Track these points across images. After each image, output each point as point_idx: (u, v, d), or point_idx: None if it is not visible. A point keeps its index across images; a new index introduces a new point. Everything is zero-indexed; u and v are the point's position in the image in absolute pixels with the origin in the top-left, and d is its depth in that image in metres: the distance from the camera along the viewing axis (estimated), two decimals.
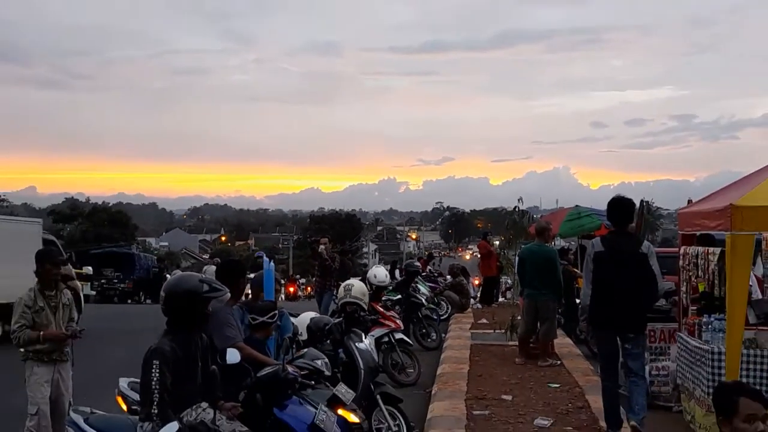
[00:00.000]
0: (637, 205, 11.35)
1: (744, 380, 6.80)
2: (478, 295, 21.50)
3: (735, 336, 7.02)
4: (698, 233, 8.49)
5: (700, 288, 8.43)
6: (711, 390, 7.19)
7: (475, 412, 8.31)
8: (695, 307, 8.47)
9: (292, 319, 7.54)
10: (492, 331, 14.51)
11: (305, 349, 6.32)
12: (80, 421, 4.95)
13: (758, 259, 8.52)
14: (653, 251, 7.62)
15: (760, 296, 9.17)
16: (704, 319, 7.86)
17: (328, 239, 18.41)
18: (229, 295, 4.91)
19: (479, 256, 22.52)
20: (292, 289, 28.43)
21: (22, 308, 6.63)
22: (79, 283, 16.11)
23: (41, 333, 6.60)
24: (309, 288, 17.80)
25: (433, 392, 9.56)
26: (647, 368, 9.09)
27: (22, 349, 6.80)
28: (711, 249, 8.12)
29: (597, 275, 7.62)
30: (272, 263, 7.53)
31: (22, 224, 21.62)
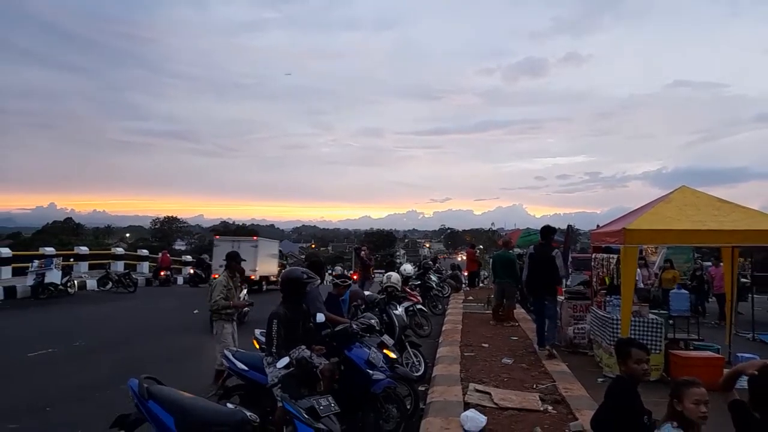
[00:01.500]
0: (566, 227, 11.58)
1: (633, 336, 6.76)
2: (467, 282, 21.56)
3: (626, 309, 7.36)
4: (603, 245, 8.63)
5: (606, 280, 8.57)
6: (613, 343, 7.21)
7: (465, 353, 8.59)
8: (603, 291, 8.50)
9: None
10: (476, 304, 14.68)
11: (364, 313, 6.38)
12: (230, 355, 5.11)
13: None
14: (558, 254, 8.63)
15: (641, 285, 9.39)
16: (607, 299, 7.88)
17: (367, 247, 19.04)
18: (319, 281, 5.02)
19: (467, 258, 22.57)
20: (355, 277, 28.44)
21: (221, 287, 6.86)
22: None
23: (231, 302, 6.87)
24: (355, 276, 17.98)
25: (440, 341, 9.82)
26: (571, 328, 9.16)
27: (216, 312, 7.03)
28: (611, 255, 8.16)
29: (530, 265, 8.76)
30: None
31: (272, 242, 27.04)
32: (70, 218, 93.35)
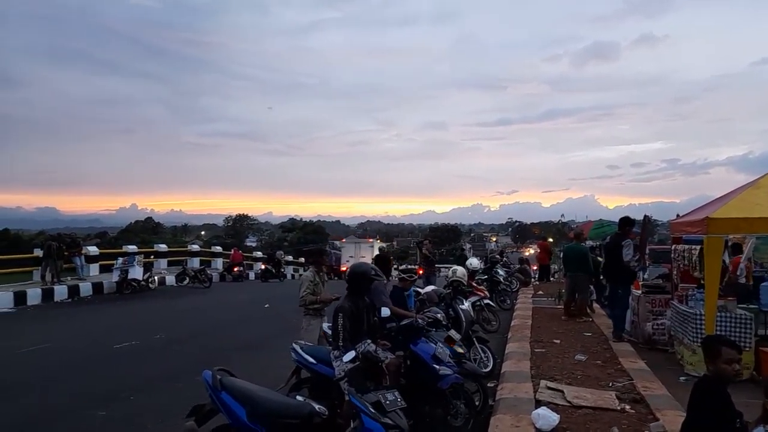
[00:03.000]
0: (642, 218, 11.05)
1: (719, 333, 6.34)
2: (536, 276, 21.09)
3: (710, 303, 6.87)
4: (683, 236, 8.17)
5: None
6: (696, 339, 6.81)
7: (535, 350, 8.35)
8: (685, 284, 8.13)
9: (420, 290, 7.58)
10: (546, 298, 14.26)
11: (430, 307, 6.33)
12: (298, 348, 5.22)
13: (726, 252, 8.03)
14: (628, 243, 8.62)
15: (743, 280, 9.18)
16: (690, 292, 7.40)
17: (429, 241, 18.17)
18: (385, 279, 5.03)
19: (538, 251, 22.11)
20: (420, 272, 28.52)
21: (308, 282, 6.80)
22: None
23: (318, 297, 6.77)
24: (419, 270, 18.07)
25: (508, 336, 9.57)
26: (650, 324, 8.76)
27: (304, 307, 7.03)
28: (693, 246, 7.67)
29: (605, 256, 8.99)
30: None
31: (380, 243, 30.39)
32: (151, 218, 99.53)
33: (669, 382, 6.48)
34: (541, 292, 15.94)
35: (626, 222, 8.91)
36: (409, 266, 7.42)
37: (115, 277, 17.92)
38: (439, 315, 5.82)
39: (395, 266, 14.04)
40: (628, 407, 5.55)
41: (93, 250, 21.27)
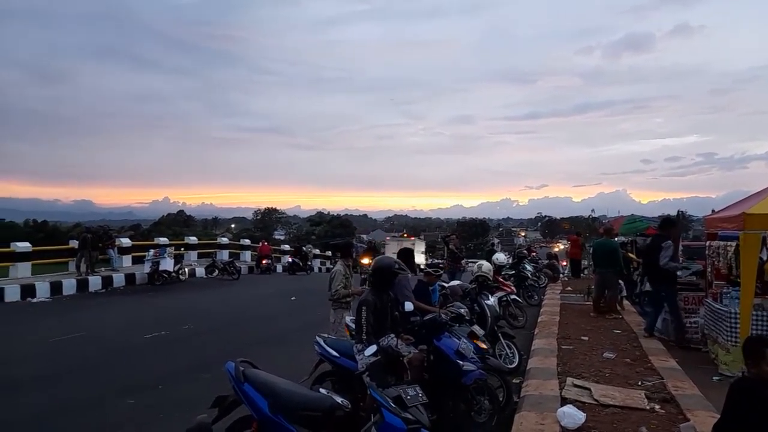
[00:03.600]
0: (675, 214, 10.85)
1: (754, 332, 6.15)
2: (567, 272, 20.83)
3: (746, 302, 6.71)
4: (718, 233, 7.95)
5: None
6: (730, 338, 6.62)
7: (563, 346, 8.23)
8: (719, 282, 7.90)
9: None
10: (575, 295, 14.04)
11: (453, 302, 6.29)
12: (321, 341, 5.25)
13: (764, 249, 7.75)
14: (668, 245, 8.33)
15: None
16: (725, 290, 7.18)
17: (456, 236, 18.19)
18: (409, 273, 5.00)
19: (569, 245, 21.86)
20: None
21: (341, 276, 6.91)
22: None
23: (350, 290, 6.91)
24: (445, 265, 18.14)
25: (535, 333, 9.47)
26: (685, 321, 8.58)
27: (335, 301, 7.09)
28: (728, 243, 7.44)
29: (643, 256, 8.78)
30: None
31: (421, 241, 33.08)
32: (182, 211, 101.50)
33: (701, 381, 6.30)
34: (569, 288, 15.71)
35: (668, 223, 8.75)
36: (435, 260, 7.39)
37: (146, 268, 18.32)
38: (462, 310, 5.76)
39: (427, 261, 14.04)
40: (657, 407, 5.43)
41: (126, 242, 21.79)
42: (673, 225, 8.88)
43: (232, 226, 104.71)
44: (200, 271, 21.70)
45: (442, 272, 6.80)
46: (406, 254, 6.67)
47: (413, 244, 27.28)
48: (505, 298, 10.21)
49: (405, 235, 43.38)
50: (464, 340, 5.43)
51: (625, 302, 12.11)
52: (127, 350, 8.76)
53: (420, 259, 26.85)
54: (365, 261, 18.08)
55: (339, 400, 3.65)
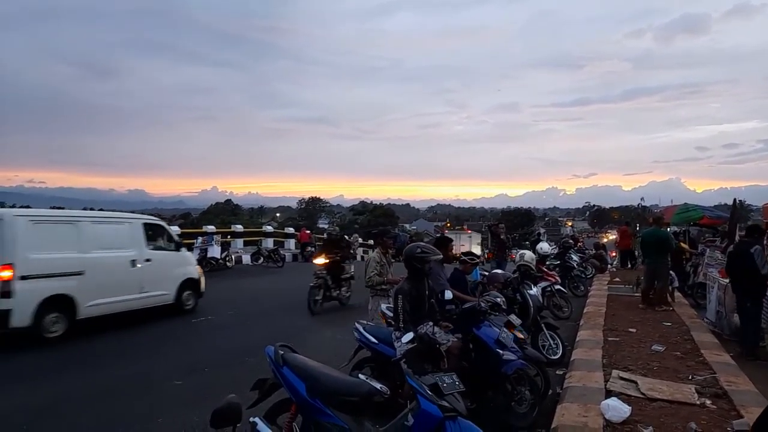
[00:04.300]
0: (731, 202, 10.31)
1: None
2: (615, 263, 20.32)
3: None
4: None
5: None
6: None
7: (609, 338, 8.01)
8: None
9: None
10: (623, 286, 13.66)
11: (489, 291, 6.21)
12: (360, 328, 5.32)
13: None
14: (758, 251, 7.46)
15: None
16: None
17: (503, 225, 17.48)
18: (439, 256, 4.95)
19: (618, 236, 21.28)
20: (489, 256, 27.48)
21: (375, 263, 6.97)
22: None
23: (385, 278, 6.97)
24: (489, 255, 17.21)
25: (580, 324, 9.30)
26: (736, 315, 8.13)
27: (371, 288, 7.19)
28: None
29: (727, 263, 8.05)
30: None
31: (476, 234, 32.00)
32: (230, 200, 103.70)
33: (757, 377, 6.05)
34: (617, 280, 15.32)
35: (755, 230, 8.14)
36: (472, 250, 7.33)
37: (195, 255, 18.88)
38: (498, 299, 5.66)
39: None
40: (708, 402, 5.23)
41: (175, 229, 22.46)
42: (758, 232, 8.17)
43: (277, 215, 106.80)
44: (246, 259, 22.16)
45: (478, 260, 6.71)
46: (442, 242, 6.61)
47: (470, 237, 27.22)
48: (549, 289, 10.05)
49: (449, 225, 43.08)
50: (504, 330, 5.36)
51: (677, 294, 11.69)
52: (176, 334, 9.09)
53: (477, 251, 26.75)
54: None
55: (377, 386, 3.65)
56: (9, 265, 7.78)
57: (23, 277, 7.86)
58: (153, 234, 10.70)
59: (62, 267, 8.47)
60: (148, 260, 10.01)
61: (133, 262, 9.73)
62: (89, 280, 8.74)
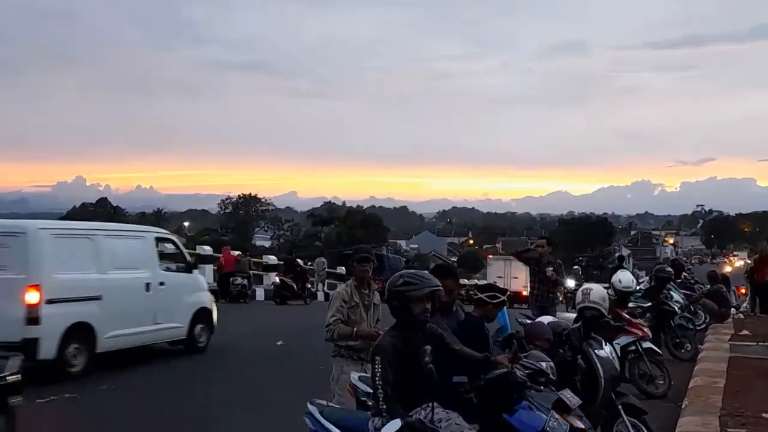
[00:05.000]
0: None
1: None
2: (745, 305, 16.16)
3: None
4: None
5: None
6: None
7: (729, 429, 6.00)
8: None
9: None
10: (755, 343, 10.88)
11: (530, 351, 4.45)
12: (316, 413, 3.98)
13: None
14: None
15: None
16: None
17: (548, 242, 10.48)
18: (436, 287, 3.39)
19: (752, 261, 16.65)
20: (523, 294, 20.84)
21: (339, 302, 4.91)
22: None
23: (355, 329, 4.81)
24: (521, 293, 13.33)
25: (683, 406, 7.17)
26: None
27: (333, 343, 5.00)
28: None
29: None
30: None
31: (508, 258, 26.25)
32: (105, 198, 77.40)
33: None
34: (746, 333, 12.37)
35: None
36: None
37: None
38: (544, 364, 4.04)
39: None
40: None
41: (207, 249, 21.83)
42: None
43: (186, 224, 69.43)
44: None
45: (503, 298, 4.80)
46: (443, 272, 4.67)
47: (510, 265, 22.99)
48: (634, 347, 7.95)
49: (471, 241, 37.15)
50: (554, 416, 3.79)
51: None
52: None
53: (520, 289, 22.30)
54: None
55: None
56: (36, 286, 7.17)
57: (49, 301, 7.25)
58: (162, 251, 10.30)
59: (83, 290, 7.82)
60: (161, 284, 9.01)
61: (148, 286, 8.76)
62: (107, 306, 7.99)
